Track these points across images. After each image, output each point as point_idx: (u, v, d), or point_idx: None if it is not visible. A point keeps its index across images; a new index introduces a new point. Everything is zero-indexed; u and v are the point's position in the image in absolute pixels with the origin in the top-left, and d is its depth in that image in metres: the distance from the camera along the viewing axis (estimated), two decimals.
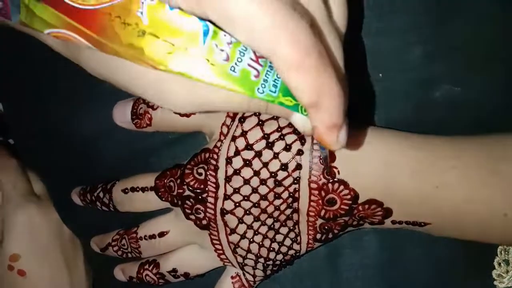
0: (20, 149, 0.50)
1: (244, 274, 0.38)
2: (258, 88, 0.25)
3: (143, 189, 0.37)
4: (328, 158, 0.33)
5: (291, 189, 0.33)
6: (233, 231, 0.35)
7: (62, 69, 0.38)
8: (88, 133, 0.41)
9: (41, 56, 0.39)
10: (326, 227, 0.35)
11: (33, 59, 0.42)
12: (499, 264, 0.40)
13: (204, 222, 0.35)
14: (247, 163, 0.33)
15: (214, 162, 0.34)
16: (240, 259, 0.37)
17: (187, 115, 0.35)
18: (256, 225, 0.35)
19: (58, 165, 0.45)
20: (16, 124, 0.50)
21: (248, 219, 0.35)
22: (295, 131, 0.33)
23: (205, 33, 0.24)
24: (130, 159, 0.40)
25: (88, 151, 0.42)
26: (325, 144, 0.26)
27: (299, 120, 0.27)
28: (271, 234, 0.35)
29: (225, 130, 0.34)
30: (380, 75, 0.36)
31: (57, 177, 0.46)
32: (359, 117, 0.36)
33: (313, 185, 0.33)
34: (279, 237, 0.36)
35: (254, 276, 0.38)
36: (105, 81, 0.38)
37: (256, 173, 0.34)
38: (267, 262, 0.37)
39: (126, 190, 0.38)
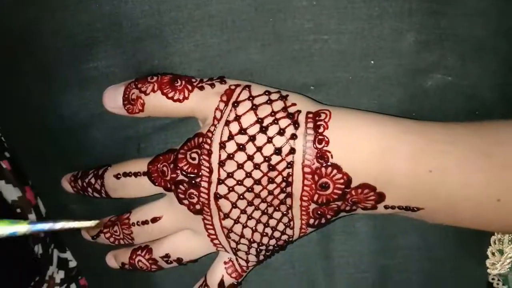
0: (8, 139, 0.50)
1: (237, 259, 0.38)
2: None
3: (136, 174, 0.37)
4: None
5: (284, 173, 0.33)
6: (226, 215, 0.35)
7: (50, 55, 0.38)
8: (78, 119, 0.41)
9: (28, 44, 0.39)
10: (319, 212, 0.35)
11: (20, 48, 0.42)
12: (493, 253, 0.41)
13: (198, 206, 0.35)
14: (241, 147, 0.33)
15: (207, 147, 0.34)
16: (233, 244, 0.37)
17: (180, 100, 0.35)
18: (249, 209, 0.35)
19: (47, 153, 0.44)
20: (3, 112, 0.50)
21: (242, 203, 0.35)
22: (289, 116, 0.33)
23: None
24: (122, 145, 0.40)
25: (78, 137, 0.41)
26: None
27: None
28: (264, 219, 0.35)
29: (218, 114, 0.34)
30: (372, 62, 0.36)
31: (47, 165, 0.45)
32: (351, 103, 0.36)
33: (307, 169, 0.33)
34: (272, 222, 0.36)
35: (247, 261, 0.38)
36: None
37: (250, 158, 0.33)
38: (260, 247, 0.37)
39: (119, 176, 0.38)
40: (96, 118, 0.39)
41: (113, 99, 0.37)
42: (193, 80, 0.36)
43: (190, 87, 0.35)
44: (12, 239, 0.29)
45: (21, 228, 0.29)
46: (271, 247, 0.37)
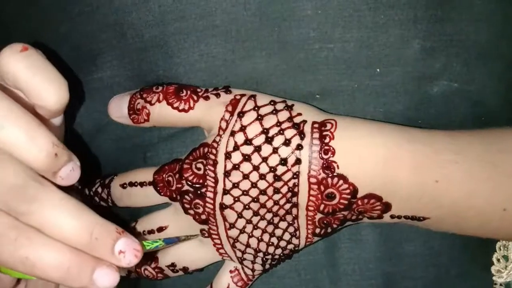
0: None
1: (242, 268, 0.38)
2: None
3: (142, 184, 0.37)
4: None
5: (290, 183, 0.33)
6: (232, 225, 0.35)
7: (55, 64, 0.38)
8: (84, 129, 0.41)
9: None
10: (325, 222, 0.35)
11: None
12: (498, 260, 0.41)
13: (203, 216, 0.35)
14: (246, 157, 0.33)
15: (213, 157, 0.34)
16: (239, 254, 0.37)
17: (185, 110, 0.35)
18: (255, 219, 0.35)
19: None
20: None
21: (247, 213, 0.35)
22: (295, 126, 0.33)
23: None
24: (128, 154, 0.40)
25: (84, 148, 0.41)
26: None
27: None
28: (270, 228, 0.35)
29: (224, 125, 0.34)
30: (378, 70, 0.36)
31: None
32: (357, 111, 0.36)
33: (313, 180, 0.33)
34: (278, 232, 0.36)
35: (253, 270, 0.38)
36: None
37: (256, 168, 0.33)
38: (266, 257, 0.37)
39: (125, 185, 0.38)
40: (101, 128, 0.39)
41: (118, 109, 0.37)
42: (199, 90, 0.36)
43: (195, 97, 0.35)
44: None
45: (159, 244, 0.34)
46: (277, 256, 0.37)
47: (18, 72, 0.29)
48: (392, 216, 0.35)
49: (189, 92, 0.35)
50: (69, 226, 0.28)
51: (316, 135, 0.33)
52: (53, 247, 0.28)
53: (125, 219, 0.40)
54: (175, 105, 0.35)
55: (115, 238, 0.29)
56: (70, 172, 0.30)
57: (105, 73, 0.38)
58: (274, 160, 0.33)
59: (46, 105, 0.30)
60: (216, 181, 0.34)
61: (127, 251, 0.29)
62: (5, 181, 0.28)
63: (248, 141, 0.33)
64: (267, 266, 0.38)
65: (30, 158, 0.28)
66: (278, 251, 0.37)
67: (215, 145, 0.34)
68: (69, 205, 0.29)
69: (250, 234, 0.36)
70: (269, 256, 0.37)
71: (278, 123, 0.33)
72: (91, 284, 0.29)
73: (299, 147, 0.33)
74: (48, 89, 0.29)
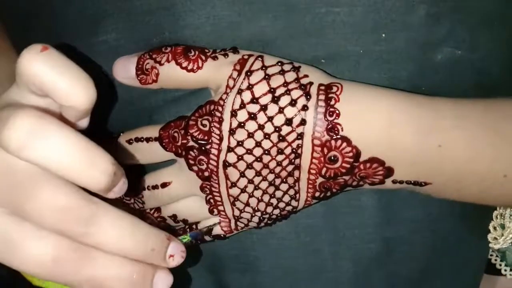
0: None
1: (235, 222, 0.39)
2: None
3: (148, 140, 0.37)
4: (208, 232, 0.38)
5: (294, 144, 0.34)
6: (233, 184, 0.36)
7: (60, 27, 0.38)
8: None
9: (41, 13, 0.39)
10: (325, 186, 0.35)
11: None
12: (495, 228, 0.41)
13: (206, 173, 0.36)
14: (252, 116, 0.34)
15: (219, 114, 0.34)
16: (237, 212, 0.37)
17: (194, 70, 0.35)
18: (257, 180, 0.35)
19: None
20: None
21: (250, 173, 0.35)
22: (301, 87, 0.34)
23: None
24: (133, 117, 0.40)
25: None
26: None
27: None
28: (271, 190, 0.36)
29: (231, 83, 0.35)
30: (383, 35, 0.36)
31: None
32: (361, 77, 0.36)
33: (316, 142, 0.33)
34: (278, 193, 0.36)
35: (246, 225, 0.39)
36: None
37: (261, 127, 0.34)
38: (263, 216, 0.37)
39: (131, 141, 0.38)
40: (106, 91, 0.39)
41: (125, 70, 0.37)
42: (207, 50, 0.36)
43: (203, 57, 0.35)
44: None
45: (187, 240, 0.36)
46: (274, 216, 0.38)
47: (43, 74, 0.28)
48: (394, 182, 0.35)
49: (197, 52, 0.35)
50: (128, 243, 0.30)
51: (322, 97, 0.33)
52: (117, 263, 0.30)
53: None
54: (183, 65, 0.35)
55: (166, 246, 0.31)
56: (123, 186, 0.31)
57: (110, 36, 0.38)
58: (279, 120, 0.33)
59: (76, 105, 0.29)
60: (221, 139, 0.34)
61: (176, 254, 0.32)
62: (55, 204, 0.28)
63: (254, 100, 0.34)
64: (262, 224, 0.39)
65: (91, 182, 0.28)
66: (276, 211, 0.37)
67: (221, 102, 0.34)
68: (124, 222, 0.30)
69: (251, 194, 0.36)
70: (266, 216, 0.37)
71: (285, 83, 0.34)
72: None
73: (305, 107, 0.33)
74: (77, 87, 0.28)
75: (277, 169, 0.35)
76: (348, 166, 0.34)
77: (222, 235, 0.39)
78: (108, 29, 0.37)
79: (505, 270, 0.49)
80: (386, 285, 0.41)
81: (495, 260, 0.50)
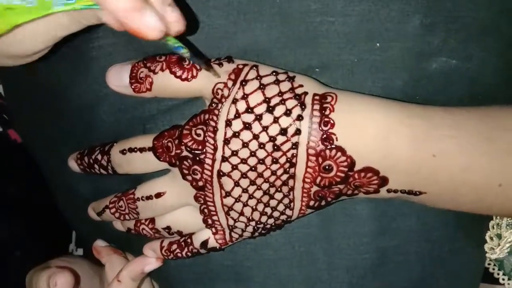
0: (16, 122, 0.50)
1: (230, 232, 0.39)
2: (54, 3, 0.26)
3: (141, 150, 0.37)
4: (200, 60, 0.34)
5: (289, 154, 0.34)
6: (228, 194, 0.36)
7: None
8: (84, 100, 0.40)
9: None
10: (320, 195, 0.35)
11: None
12: (491, 238, 0.41)
13: (201, 183, 0.36)
14: (247, 126, 0.34)
15: (213, 124, 0.34)
16: (231, 221, 0.37)
17: (188, 79, 0.35)
18: (251, 189, 0.35)
19: (55, 134, 0.45)
20: (11, 95, 0.50)
21: (244, 182, 0.35)
22: (296, 97, 0.34)
23: None
24: (127, 126, 0.40)
25: (85, 119, 0.41)
26: (135, 32, 0.26)
27: (104, 15, 0.28)
28: (265, 199, 0.36)
29: (226, 92, 0.35)
30: (378, 44, 0.36)
31: (54, 146, 0.45)
32: (355, 86, 0.36)
33: (311, 151, 0.33)
34: (273, 202, 0.36)
35: (240, 236, 0.39)
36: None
37: (255, 137, 0.34)
38: (258, 225, 0.37)
39: (124, 151, 0.38)
40: (101, 100, 0.39)
41: (118, 77, 0.37)
42: None
43: (198, 66, 0.35)
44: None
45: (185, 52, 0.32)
46: (268, 226, 0.38)
47: None
48: (388, 191, 0.35)
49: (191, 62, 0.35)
50: None
51: (317, 106, 0.33)
52: None
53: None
54: (178, 74, 0.35)
55: None
56: None
57: (105, 41, 0.38)
58: (274, 130, 0.33)
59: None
60: (215, 148, 0.34)
61: None
62: None
63: (249, 109, 0.34)
64: (256, 234, 0.38)
65: None
66: (271, 221, 0.37)
67: (216, 112, 0.34)
68: None
69: (245, 203, 0.36)
70: (261, 225, 0.37)
71: (280, 93, 0.34)
72: None
73: (300, 117, 0.33)
74: None
75: (272, 178, 0.35)
76: (343, 175, 0.34)
77: (217, 247, 0.39)
78: (104, 35, 0.37)
79: (503, 279, 0.49)
80: None
81: (493, 269, 0.50)
